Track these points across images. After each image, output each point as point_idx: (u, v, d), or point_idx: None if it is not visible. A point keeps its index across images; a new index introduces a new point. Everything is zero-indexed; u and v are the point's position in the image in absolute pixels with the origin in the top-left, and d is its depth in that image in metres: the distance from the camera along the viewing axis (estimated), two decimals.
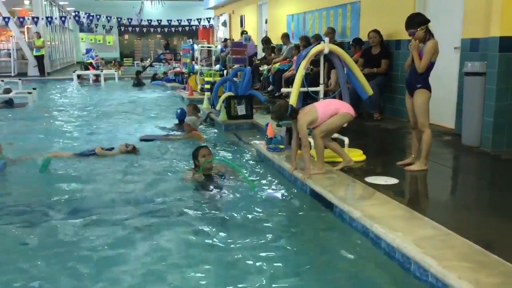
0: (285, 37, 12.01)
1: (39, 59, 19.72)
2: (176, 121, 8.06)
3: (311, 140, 4.71)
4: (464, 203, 4.08)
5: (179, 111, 8.16)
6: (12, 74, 19.79)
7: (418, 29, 4.48)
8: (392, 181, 4.38)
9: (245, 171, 5.06)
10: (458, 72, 6.38)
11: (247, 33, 12.85)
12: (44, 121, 9.25)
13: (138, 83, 16.20)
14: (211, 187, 4.72)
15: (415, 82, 4.61)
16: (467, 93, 5.83)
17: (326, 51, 5.13)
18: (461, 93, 6.08)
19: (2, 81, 14.10)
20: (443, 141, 6.12)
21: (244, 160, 5.93)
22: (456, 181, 4.92)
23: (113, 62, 24.52)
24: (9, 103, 11.07)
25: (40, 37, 19.57)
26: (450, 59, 6.52)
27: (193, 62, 13.70)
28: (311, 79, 7.28)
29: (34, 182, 5.05)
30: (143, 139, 6.96)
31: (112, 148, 6.15)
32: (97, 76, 17.66)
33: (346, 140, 5.26)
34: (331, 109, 4.60)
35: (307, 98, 5.53)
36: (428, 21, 4.54)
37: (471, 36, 6.10)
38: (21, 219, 3.98)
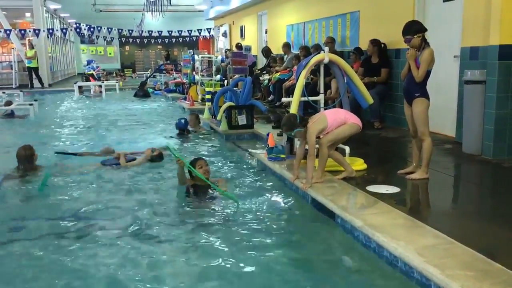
0: (286, 46, 12.06)
1: (34, 70, 18.91)
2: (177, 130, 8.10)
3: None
4: (466, 211, 4.06)
5: (183, 121, 8.18)
6: (13, 86, 19.86)
7: (415, 36, 4.49)
8: (394, 189, 4.37)
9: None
10: (458, 81, 6.39)
11: (241, 45, 12.89)
12: (45, 131, 9.26)
13: (144, 94, 16.20)
14: (207, 198, 4.69)
15: (413, 91, 4.61)
16: (467, 101, 5.83)
17: (326, 60, 5.15)
18: (461, 102, 6.09)
19: (4, 92, 14.15)
20: (444, 149, 6.12)
21: (244, 170, 5.92)
22: (457, 190, 4.91)
23: (114, 73, 24.72)
24: (10, 114, 11.27)
25: (32, 47, 18.76)
26: (450, 67, 6.54)
27: (194, 73, 13.74)
28: (311, 88, 7.31)
29: (29, 198, 4.98)
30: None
31: (134, 159, 6.13)
32: (99, 87, 17.70)
33: (347, 149, 5.26)
34: (340, 118, 4.61)
35: (307, 108, 5.54)
36: (425, 29, 4.56)
37: (470, 45, 6.12)
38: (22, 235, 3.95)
